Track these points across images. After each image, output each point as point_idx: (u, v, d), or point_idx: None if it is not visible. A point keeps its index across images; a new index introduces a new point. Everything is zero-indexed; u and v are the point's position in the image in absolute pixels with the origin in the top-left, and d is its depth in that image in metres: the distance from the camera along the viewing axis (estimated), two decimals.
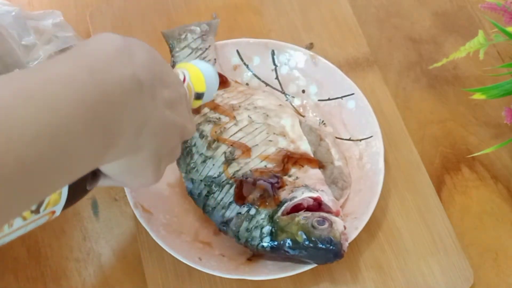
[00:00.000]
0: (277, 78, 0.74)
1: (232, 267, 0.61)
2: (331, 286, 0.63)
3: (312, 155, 0.66)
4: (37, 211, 0.44)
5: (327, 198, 0.62)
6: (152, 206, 0.63)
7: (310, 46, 0.77)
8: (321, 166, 0.66)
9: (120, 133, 0.39)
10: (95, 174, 0.48)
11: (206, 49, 0.72)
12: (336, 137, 0.70)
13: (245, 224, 0.61)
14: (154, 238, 0.61)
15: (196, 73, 0.56)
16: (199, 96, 0.56)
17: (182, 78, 0.55)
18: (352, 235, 0.61)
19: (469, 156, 0.71)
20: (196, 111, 0.67)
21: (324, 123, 0.72)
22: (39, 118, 0.34)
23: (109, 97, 0.38)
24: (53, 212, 0.46)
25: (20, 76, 0.36)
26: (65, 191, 0.46)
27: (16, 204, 0.34)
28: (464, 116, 0.74)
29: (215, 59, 0.72)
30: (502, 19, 0.69)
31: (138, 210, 0.62)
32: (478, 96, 0.67)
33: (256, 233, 0.61)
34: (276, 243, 0.60)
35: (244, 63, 0.74)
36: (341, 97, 0.71)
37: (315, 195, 0.61)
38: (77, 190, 0.48)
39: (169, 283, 0.62)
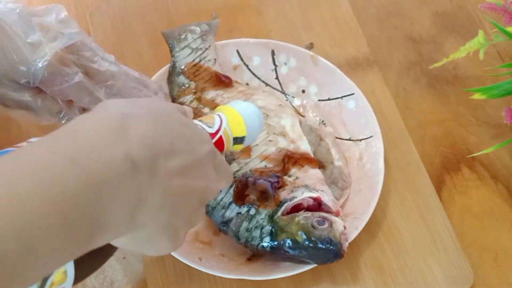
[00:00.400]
0: (277, 78, 0.74)
1: (232, 267, 0.61)
2: (331, 286, 0.63)
3: (312, 155, 0.66)
4: None
5: (327, 198, 0.62)
6: None
7: (310, 46, 0.77)
8: (321, 166, 0.66)
9: (108, 220, 0.36)
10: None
11: (206, 49, 0.72)
12: (336, 137, 0.70)
13: (245, 224, 0.61)
14: None
15: (234, 116, 0.52)
16: (239, 140, 0.53)
17: (218, 124, 0.51)
18: (352, 235, 0.61)
19: (469, 156, 0.71)
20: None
21: (324, 123, 0.72)
22: (4, 218, 0.32)
23: (94, 185, 0.35)
24: None
25: (32, 150, 0.34)
26: (71, 268, 0.42)
27: None
28: (464, 116, 0.74)
29: (215, 59, 0.72)
30: (502, 19, 0.69)
31: None
32: (478, 96, 0.67)
33: (256, 233, 0.61)
34: (276, 243, 0.60)
35: (244, 63, 0.74)
36: (341, 97, 0.71)
37: (315, 195, 0.61)
38: (88, 263, 0.45)
39: (169, 283, 0.62)
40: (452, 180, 0.70)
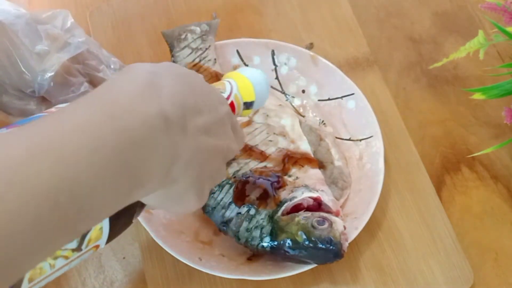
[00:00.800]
0: (277, 78, 0.74)
1: (232, 267, 0.61)
2: (331, 286, 0.63)
3: (312, 155, 0.66)
4: (78, 249, 0.42)
5: (327, 198, 0.62)
6: None
7: (310, 46, 0.77)
8: (321, 166, 0.66)
9: (146, 175, 0.38)
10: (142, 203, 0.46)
11: (206, 49, 0.72)
12: (336, 137, 0.70)
13: (245, 224, 0.61)
14: (154, 238, 0.61)
15: (244, 82, 0.54)
16: (248, 105, 0.54)
17: (229, 90, 0.53)
18: (352, 235, 0.61)
19: (469, 156, 0.71)
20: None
21: (324, 123, 0.72)
22: (54, 172, 0.33)
23: (133, 140, 0.37)
24: (97, 247, 0.44)
25: (36, 127, 0.35)
26: (106, 225, 0.43)
27: (30, 259, 0.33)
28: (464, 116, 0.74)
29: (215, 59, 0.72)
30: (502, 19, 0.69)
31: None
32: (478, 96, 0.67)
33: (256, 233, 0.61)
34: (276, 243, 0.60)
35: (244, 63, 0.74)
36: (341, 97, 0.71)
37: (315, 195, 0.61)
38: (121, 221, 0.46)
39: (169, 283, 0.62)
40: (452, 180, 0.70)
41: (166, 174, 0.40)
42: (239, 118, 0.63)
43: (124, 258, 0.64)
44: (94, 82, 0.58)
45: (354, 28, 0.79)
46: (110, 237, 0.45)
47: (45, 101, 0.57)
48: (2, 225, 0.31)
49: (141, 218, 0.61)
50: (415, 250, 0.64)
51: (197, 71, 0.70)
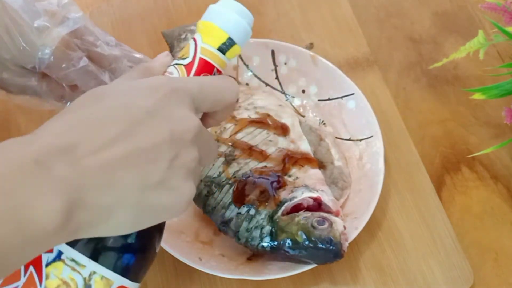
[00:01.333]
0: (277, 78, 0.74)
1: (232, 267, 0.61)
2: (331, 286, 0.63)
3: (312, 155, 0.66)
4: None
5: (327, 198, 0.62)
6: None
7: (310, 46, 0.77)
8: (321, 166, 0.66)
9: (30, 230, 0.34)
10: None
11: None
12: (336, 137, 0.70)
13: (245, 224, 0.61)
14: None
15: (207, 26, 0.48)
16: (227, 45, 0.48)
17: (193, 48, 0.47)
18: (352, 235, 0.61)
19: (469, 156, 0.71)
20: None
21: (324, 123, 0.72)
22: None
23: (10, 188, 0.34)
24: None
25: None
26: (111, 275, 0.42)
27: None
28: (464, 116, 0.74)
29: None
30: (502, 19, 0.69)
31: None
32: (478, 96, 0.67)
33: (256, 233, 0.61)
34: (276, 243, 0.60)
35: (244, 63, 0.74)
36: (341, 97, 0.71)
37: (315, 195, 0.61)
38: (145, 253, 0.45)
39: (169, 283, 0.62)
40: (452, 180, 0.70)
41: (68, 219, 0.35)
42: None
43: None
44: (92, 57, 0.58)
45: (354, 28, 0.79)
46: (135, 274, 0.44)
47: (45, 77, 0.57)
48: None
49: None
50: (415, 250, 0.64)
51: None
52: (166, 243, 0.60)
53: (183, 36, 0.72)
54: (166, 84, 0.42)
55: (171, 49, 0.72)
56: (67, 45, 0.56)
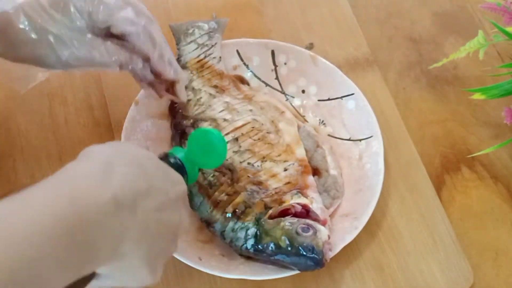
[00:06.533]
0: (277, 78, 0.74)
1: (232, 267, 0.61)
2: (331, 286, 0.63)
3: (307, 161, 0.65)
4: None
5: (316, 205, 0.61)
6: None
7: (310, 46, 0.77)
8: (316, 173, 0.66)
9: (95, 251, 0.42)
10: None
11: (212, 46, 0.72)
12: (336, 137, 0.70)
13: (231, 224, 0.61)
14: None
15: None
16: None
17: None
18: (352, 235, 0.61)
19: (469, 156, 0.71)
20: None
21: (324, 123, 0.72)
22: (12, 251, 0.36)
23: (86, 221, 0.41)
24: None
25: (3, 206, 0.39)
26: None
27: None
28: (464, 116, 0.74)
29: (220, 57, 0.72)
30: (502, 19, 0.69)
31: None
32: (478, 96, 0.67)
33: (241, 234, 0.61)
34: (259, 246, 0.59)
35: (244, 63, 0.74)
36: (341, 97, 0.71)
37: (303, 201, 0.61)
38: None
39: (169, 283, 0.62)
40: (452, 180, 0.70)
41: (113, 251, 0.43)
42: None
43: None
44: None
45: (354, 28, 0.79)
46: None
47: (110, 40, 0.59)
48: None
49: None
50: (415, 250, 0.64)
51: (201, 67, 0.71)
52: None
53: (190, 31, 0.72)
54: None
55: (178, 43, 0.72)
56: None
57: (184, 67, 0.70)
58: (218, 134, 0.57)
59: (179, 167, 0.55)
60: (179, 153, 0.55)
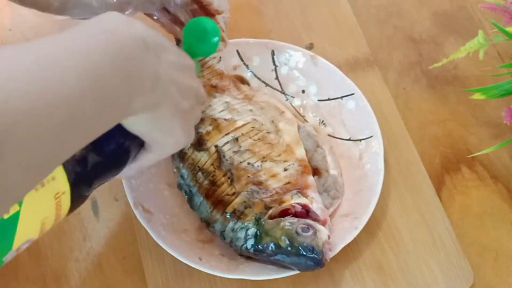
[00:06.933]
0: (277, 78, 0.74)
1: (232, 267, 0.61)
2: (331, 286, 0.63)
3: (307, 161, 0.65)
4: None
5: (316, 206, 0.61)
6: (152, 206, 0.63)
7: (310, 46, 0.77)
8: (316, 172, 0.66)
9: (139, 82, 0.45)
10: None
11: None
12: (336, 137, 0.70)
13: (231, 224, 0.61)
14: (154, 238, 0.61)
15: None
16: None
17: None
18: (352, 235, 0.61)
19: (469, 156, 0.71)
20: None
21: (324, 123, 0.72)
22: (83, 62, 0.40)
23: (126, 49, 0.44)
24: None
25: (67, 33, 0.42)
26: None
27: (65, 147, 0.39)
28: (464, 116, 0.74)
29: (220, 57, 0.72)
30: (502, 19, 0.69)
31: (138, 210, 0.62)
32: (478, 96, 0.67)
33: (241, 234, 0.61)
34: (259, 246, 0.60)
35: (244, 63, 0.74)
36: (341, 97, 0.71)
37: (303, 201, 0.61)
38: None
39: (169, 283, 0.62)
40: (452, 180, 0.70)
41: (152, 90, 0.47)
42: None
43: (124, 258, 0.64)
44: None
45: (354, 28, 0.79)
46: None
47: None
48: (51, 95, 0.37)
49: (141, 218, 0.62)
50: (415, 250, 0.64)
51: (202, 67, 0.71)
52: (166, 243, 0.60)
53: None
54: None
55: (178, 43, 0.72)
56: None
57: None
58: (209, 20, 0.61)
59: None
60: None
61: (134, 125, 0.49)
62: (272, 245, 0.59)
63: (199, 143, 0.65)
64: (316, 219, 0.60)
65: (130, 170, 0.54)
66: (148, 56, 0.46)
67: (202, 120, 0.67)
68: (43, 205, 0.44)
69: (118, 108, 0.44)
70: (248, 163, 0.64)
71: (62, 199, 0.45)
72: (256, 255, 0.60)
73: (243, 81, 0.73)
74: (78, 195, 0.47)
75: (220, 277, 0.60)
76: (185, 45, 0.60)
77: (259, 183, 0.63)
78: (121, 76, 0.43)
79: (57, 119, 0.37)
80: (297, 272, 0.60)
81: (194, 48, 0.60)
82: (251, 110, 0.68)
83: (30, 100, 0.35)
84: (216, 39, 0.62)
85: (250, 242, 0.60)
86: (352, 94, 0.70)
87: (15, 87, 0.35)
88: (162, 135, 0.51)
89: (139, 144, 0.52)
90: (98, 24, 0.45)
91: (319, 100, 0.73)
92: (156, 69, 0.47)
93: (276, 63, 0.74)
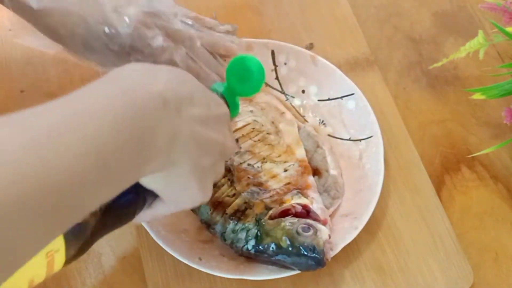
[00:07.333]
0: (277, 78, 0.74)
1: (232, 267, 0.61)
2: (331, 286, 0.63)
3: (307, 161, 0.65)
4: None
5: (316, 206, 0.62)
6: None
7: (310, 46, 0.77)
8: (316, 173, 0.66)
9: (153, 146, 0.42)
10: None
11: None
12: (336, 137, 0.70)
13: (231, 225, 0.61)
14: (154, 238, 0.61)
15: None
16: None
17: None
18: (352, 235, 0.61)
19: (469, 156, 0.71)
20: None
21: (324, 123, 0.72)
22: (83, 137, 0.37)
23: (141, 112, 0.41)
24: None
25: (70, 98, 0.39)
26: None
27: (63, 219, 0.36)
28: (464, 116, 0.74)
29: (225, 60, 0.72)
30: (502, 19, 0.69)
31: None
32: (478, 96, 0.67)
33: (242, 235, 0.61)
34: (260, 246, 0.60)
35: None
36: (341, 97, 0.71)
37: (304, 202, 0.61)
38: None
39: (169, 283, 0.62)
40: (452, 180, 0.70)
41: (168, 151, 0.44)
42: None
43: (124, 258, 0.64)
44: (169, 33, 0.60)
45: (354, 28, 0.79)
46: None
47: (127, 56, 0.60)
48: (42, 179, 0.34)
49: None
50: (415, 250, 0.64)
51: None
52: (166, 243, 0.60)
53: None
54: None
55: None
56: (143, 23, 0.59)
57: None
58: (253, 59, 0.56)
59: None
60: (219, 88, 0.56)
61: (145, 181, 0.46)
62: (273, 245, 0.59)
63: None
64: (316, 219, 0.60)
65: (145, 216, 0.51)
66: (166, 115, 0.43)
67: None
68: (31, 265, 0.39)
69: (124, 180, 0.41)
70: (249, 164, 0.64)
71: (56, 256, 0.42)
72: (257, 256, 0.60)
73: None
74: (75, 250, 0.44)
75: (220, 277, 0.60)
76: (227, 84, 0.56)
77: (259, 184, 0.63)
78: (131, 146, 0.40)
79: (46, 206, 0.34)
80: (297, 272, 0.60)
81: (236, 87, 0.56)
82: (251, 111, 0.68)
83: (16, 189, 0.32)
84: (260, 79, 0.57)
85: (251, 243, 0.60)
86: (352, 94, 0.70)
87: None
88: (176, 193, 0.49)
89: (154, 194, 0.49)
90: (111, 83, 0.43)
91: (319, 100, 0.73)
92: (175, 127, 0.44)
93: (276, 63, 0.74)
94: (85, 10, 0.58)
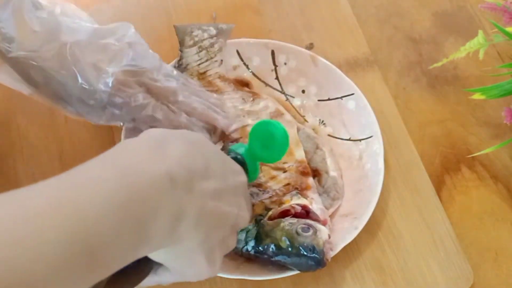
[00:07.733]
0: (277, 78, 0.74)
1: (232, 267, 0.61)
2: (331, 286, 0.63)
3: (306, 163, 0.65)
4: None
5: (315, 206, 0.61)
6: None
7: (310, 46, 0.77)
8: (316, 174, 0.66)
9: (151, 229, 0.40)
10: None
11: (215, 50, 0.71)
12: (336, 137, 0.70)
13: None
14: None
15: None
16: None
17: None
18: (352, 235, 0.61)
19: (469, 156, 0.71)
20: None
21: (324, 123, 0.72)
22: (68, 225, 0.35)
23: (140, 196, 0.39)
24: None
25: (54, 182, 0.37)
26: None
27: None
28: (464, 116, 0.74)
29: (221, 60, 0.72)
30: (502, 19, 0.69)
31: None
32: (478, 96, 0.67)
33: (242, 236, 0.61)
34: (260, 247, 0.59)
35: (244, 63, 0.74)
36: (341, 97, 0.71)
37: (303, 202, 0.61)
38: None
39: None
40: (452, 180, 0.70)
41: (171, 231, 0.41)
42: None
43: None
44: (151, 90, 0.59)
45: (354, 28, 0.79)
46: None
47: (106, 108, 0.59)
48: (21, 269, 0.32)
49: None
50: (415, 250, 0.64)
51: (202, 74, 0.70)
52: None
53: (194, 33, 0.72)
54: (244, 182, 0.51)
55: (181, 44, 0.72)
56: (123, 83, 0.57)
57: (185, 69, 0.70)
58: (279, 126, 0.54)
59: (240, 163, 0.53)
60: (240, 149, 0.54)
61: (150, 254, 0.44)
62: (272, 246, 0.59)
63: None
64: (316, 220, 0.60)
65: (149, 282, 0.48)
66: (173, 194, 0.41)
67: None
68: None
69: (117, 262, 0.38)
70: None
71: None
72: (257, 257, 0.60)
73: (243, 83, 0.73)
74: None
75: (220, 277, 0.60)
76: (249, 146, 0.54)
77: (258, 185, 0.63)
78: (125, 231, 0.38)
79: None
80: (297, 272, 0.60)
81: (258, 152, 0.55)
82: (251, 113, 0.68)
83: None
84: (284, 147, 0.55)
85: (251, 243, 0.60)
86: (352, 94, 0.70)
87: None
88: (183, 267, 0.46)
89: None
90: (117, 161, 0.40)
91: (319, 100, 0.73)
92: (182, 206, 0.41)
93: (276, 63, 0.74)
94: (62, 64, 0.56)
